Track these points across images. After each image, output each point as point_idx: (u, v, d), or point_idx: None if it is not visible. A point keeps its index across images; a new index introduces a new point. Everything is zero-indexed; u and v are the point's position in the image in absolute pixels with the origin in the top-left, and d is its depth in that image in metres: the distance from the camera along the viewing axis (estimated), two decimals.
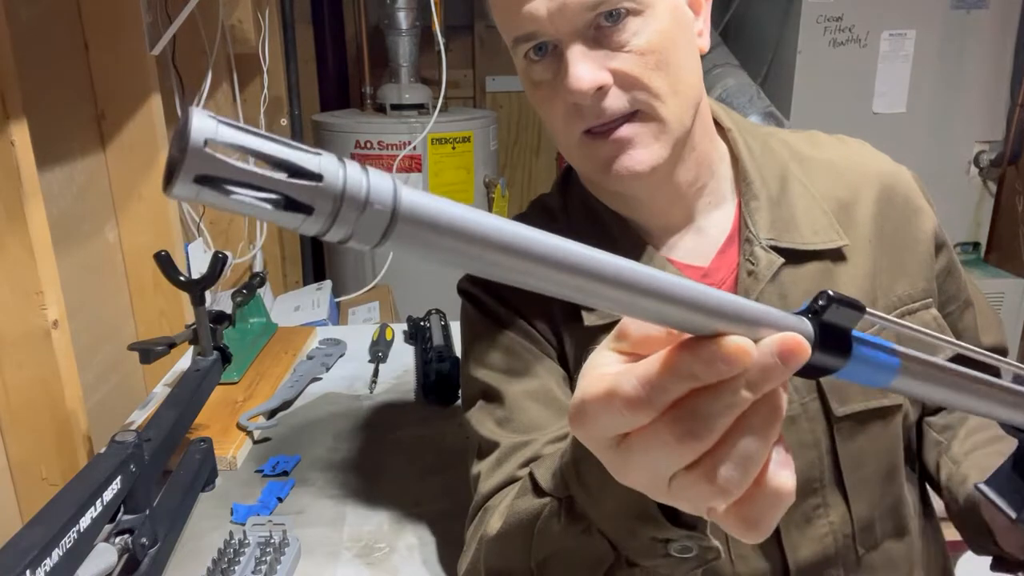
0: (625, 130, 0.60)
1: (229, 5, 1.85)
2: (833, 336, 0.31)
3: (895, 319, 0.33)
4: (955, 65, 2.21)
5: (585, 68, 0.58)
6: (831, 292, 0.30)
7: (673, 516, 0.44)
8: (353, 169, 0.21)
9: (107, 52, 1.24)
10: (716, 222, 0.69)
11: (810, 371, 0.31)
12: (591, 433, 0.32)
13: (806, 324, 0.30)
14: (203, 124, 0.19)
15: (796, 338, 0.28)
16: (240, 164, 0.19)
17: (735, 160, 0.70)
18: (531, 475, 0.56)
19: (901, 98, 2.23)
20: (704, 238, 0.68)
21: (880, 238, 0.68)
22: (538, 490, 0.54)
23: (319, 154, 0.21)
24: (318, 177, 0.20)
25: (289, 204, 0.20)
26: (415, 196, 0.22)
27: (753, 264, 0.65)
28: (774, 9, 2.28)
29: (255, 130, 0.20)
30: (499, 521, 0.58)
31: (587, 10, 0.57)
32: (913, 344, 0.35)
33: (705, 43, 0.65)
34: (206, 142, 0.19)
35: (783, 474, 0.31)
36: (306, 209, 0.20)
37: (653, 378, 0.29)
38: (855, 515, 0.65)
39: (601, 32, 0.59)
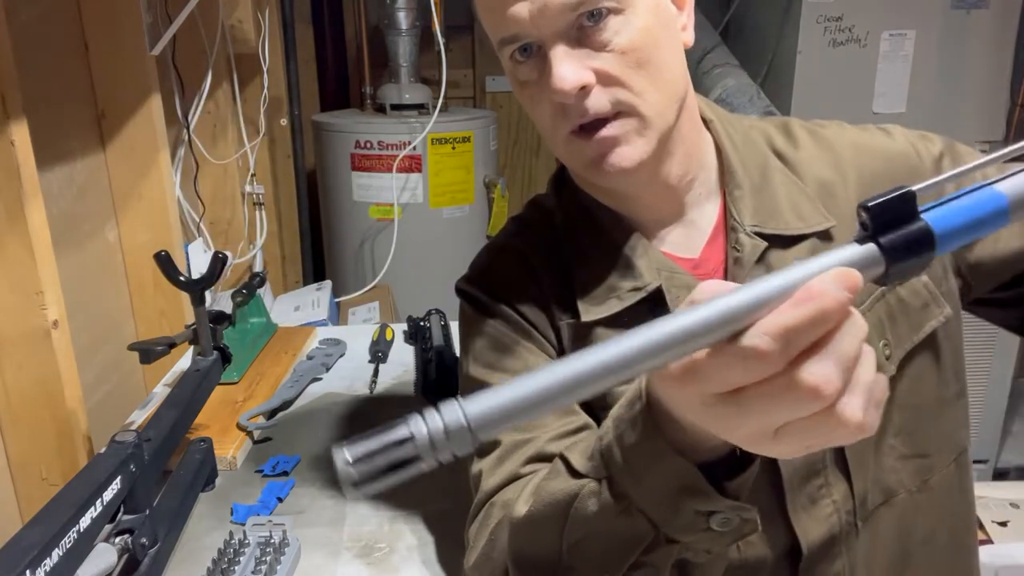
0: (609, 129, 0.61)
1: (229, 5, 1.85)
2: (903, 235, 0.34)
3: (945, 175, 0.35)
4: (955, 65, 2.21)
5: (568, 68, 0.58)
6: (866, 204, 0.34)
7: (720, 487, 0.44)
8: (432, 419, 0.32)
9: (107, 52, 1.24)
10: (705, 213, 0.69)
11: (909, 270, 0.35)
12: (699, 389, 0.34)
13: (852, 249, 0.35)
14: (340, 456, 0.32)
15: (843, 272, 0.32)
16: (366, 466, 0.32)
17: (719, 152, 0.70)
18: (563, 458, 0.55)
19: (901, 98, 2.23)
20: (694, 230, 0.69)
21: None
22: (573, 472, 0.54)
23: (406, 421, 0.32)
24: (411, 438, 0.32)
25: (404, 463, 0.32)
26: (480, 406, 0.32)
27: (738, 251, 0.65)
28: (774, 9, 2.28)
29: (368, 435, 0.32)
30: (526, 505, 0.57)
31: (568, 11, 0.58)
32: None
33: (689, 38, 0.65)
34: (347, 462, 0.32)
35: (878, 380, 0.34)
36: (414, 460, 0.32)
37: (783, 330, 0.31)
38: (856, 491, 0.65)
39: (583, 32, 0.59)
